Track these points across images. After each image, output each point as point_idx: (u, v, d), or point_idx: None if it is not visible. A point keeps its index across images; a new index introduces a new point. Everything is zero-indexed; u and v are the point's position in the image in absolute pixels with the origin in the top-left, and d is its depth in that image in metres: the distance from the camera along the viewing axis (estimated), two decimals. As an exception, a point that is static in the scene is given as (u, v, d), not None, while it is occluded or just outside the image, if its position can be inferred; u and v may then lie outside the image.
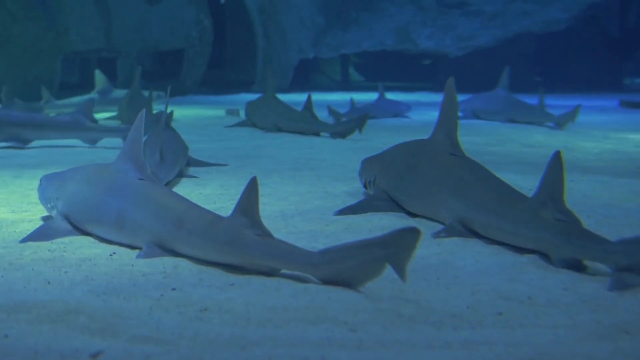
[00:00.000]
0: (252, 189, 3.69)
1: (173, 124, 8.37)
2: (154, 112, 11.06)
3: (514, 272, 3.78)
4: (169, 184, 6.29)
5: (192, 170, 7.11)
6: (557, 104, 13.75)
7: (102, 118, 12.90)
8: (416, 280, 3.56)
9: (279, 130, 10.47)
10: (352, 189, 6.07)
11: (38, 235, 4.46)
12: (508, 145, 9.46)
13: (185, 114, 13.66)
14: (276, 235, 3.75)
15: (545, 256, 3.97)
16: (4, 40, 16.09)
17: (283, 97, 11.75)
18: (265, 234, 3.67)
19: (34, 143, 9.70)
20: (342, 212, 5.17)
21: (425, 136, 5.34)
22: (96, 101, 14.11)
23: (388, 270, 3.34)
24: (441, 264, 3.93)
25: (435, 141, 5.03)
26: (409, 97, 17.50)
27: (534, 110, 12.11)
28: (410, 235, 3.28)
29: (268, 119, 10.69)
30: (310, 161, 7.88)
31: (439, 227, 4.68)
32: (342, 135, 9.82)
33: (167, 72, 20.08)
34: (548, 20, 20.30)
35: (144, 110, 4.68)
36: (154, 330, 2.93)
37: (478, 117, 12.76)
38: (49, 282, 3.57)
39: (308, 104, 10.28)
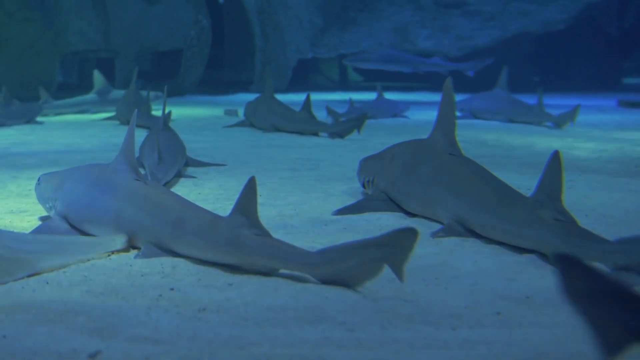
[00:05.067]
0: (250, 189, 3.69)
1: (171, 124, 8.36)
2: (153, 112, 11.11)
3: (512, 271, 3.78)
4: (168, 184, 6.29)
5: (190, 170, 7.10)
6: (555, 103, 13.75)
7: (100, 118, 12.91)
8: (414, 280, 3.56)
9: (278, 130, 10.46)
10: (350, 189, 6.07)
11: (36, 235, 4.45)
12: (506, 145, 9.46)
13: (184, 114, 13.65)
14: (274, 235, 3.75)
15: (543, 256, 3.97)
16: (1, 41, 16.09)
17: (281, 97, 11.74)
18: (264, 234, 3.67)
19: (33, 143, 9.70)
20: (341, 212, 5.17)
21: (424, 136, 5.34)
22: (95, 101, 14.18)
23: (386, 270, 3.34)
24: (439, 263, 3.93)
25: (434, 141, 5.03)
26: (408, 97, 17.49)
27: (532, 110, 12.10)
28: (408, 235, 3.28)
29: (266, 119, 10.69)
30: (309, 161, 7.87)
31: (438, 226, 4.68)
32: (341, 135, 9.81)
33: (166, 73, 20.06)
34: (546, 20, 20.29)
35: (136, 110, 4.70)
36: (153, 330, 2.93)
37: (476, 117, 12.75)
38: (47, 282, 3.57)
39: (306, 104, 10.27)
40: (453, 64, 17.56)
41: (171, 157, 6.59)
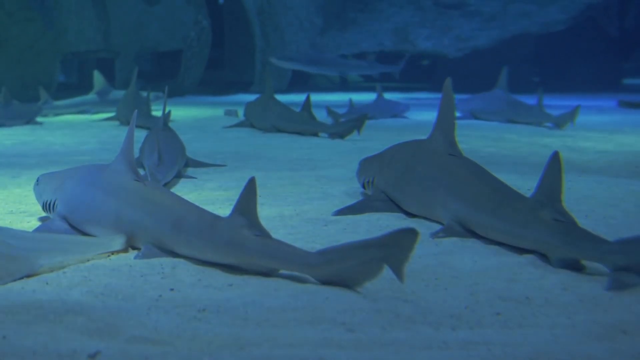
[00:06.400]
0: (250, 190, 3.69)
1: (171, 125, 8.36)
2: (153, 112, 11.10)
3: (512, 272, 3.78)
4: (168, 184, 6.29)
5: (190, 171, 7.11)
6: (555, 104, 13.75)
7: (100, 119, 12.92)
8: (414, 281, 3.56)
9: (278, 130, 10.47)
10: (350, 190, 6.07)
11: (36, 236, 4.44)
12: (506, 145, 9.46)
13: (184, 114, 13.65)
14: (274, 235, 3.75)
15: (543, 256, 3.97)
16: (2, 41, 16.08)
17: (281, 97, 11.74)
18: (264, 234, 3.67)
19: (33, 143, 9.71)
20: (341, 212, 5.17)
21: (424, 136, 5.34)
22: (95, 102, 14.18)
23: (386, 271, 3.34)
24: (439, 264, 3.93)
25: (434, 141, 5.03)
26: (408, 98, 17.50)
27: (532, 111, 12.10)
28: (408, 236, 3.28)
29: (266, 119, 10.69)
30: (309, 162, 7.88)
31: (437, 227, 4.68)
32: (341, 135, 9.81)
33: (166, 73, 20.08)
34: (547, 21, 20.28)
35: (136, 111, 4.70)
36: (152, 331, 2.93)
37: (476, 118, 12.75)
38: (47, 283, 3.57)
39: (306, 104, 10.27)
40: (382, 66, 17.77)
41: (171, 157, 6.59)
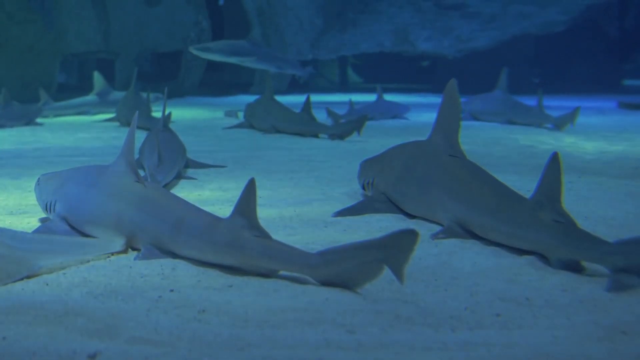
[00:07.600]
0: (250, 191, 3.69)
1: (171, 126, 8.36)
2: (153, 113, 11.11)
3: (512, 273, 3.78)
4: (168, 185, 6.29)
5: (190, 172, 7.11)
6: (555, 105, 13.75)
7: (100, 120, 12.92)
8: (414, 282, 3.56)
9: (278, 131, 10.47)
10: (350, 191, 6.07)
11: (36, 236, 4.44)
12: (506, 146, 9.46)
13: (184, 115, 13.65)
14: (274, 236, 3.75)
15: (543, 257, 3.97)
16: (2, 42, 16.09)
17: (281, 98, 11.74)
18: (264, 235, 3.67)
19: (33, 144, 9.70)
20: (341, 213, 5.17)
21: (424, 137, 5.34)
22: (95, 103, 14.18)
23: (386, 272, 3.34)
24: (439, 265, 3.93)
25: (433, 142, 5.03)
26: (407, 99, 17.49)
27: (532, 112, 12.09)
28: (408, 237, 3.28)
29: (266, 120, 10.70)
30: (309, 163, 7.88)
31: (437, 228, 4.68)
32: (341, 136, 9.82)
33: (166, 74, 20.08)
34: (547, 22, 20.28)
35: (137, 112, 4.70)
36: (152, 331, 2.93)
37: (476, 119, 12.75)
38: (47, 284, 3.57)
39: (306, 105, 10.28)
40: (297, 68, 17.83)
41: (171, 158, 6.59)
